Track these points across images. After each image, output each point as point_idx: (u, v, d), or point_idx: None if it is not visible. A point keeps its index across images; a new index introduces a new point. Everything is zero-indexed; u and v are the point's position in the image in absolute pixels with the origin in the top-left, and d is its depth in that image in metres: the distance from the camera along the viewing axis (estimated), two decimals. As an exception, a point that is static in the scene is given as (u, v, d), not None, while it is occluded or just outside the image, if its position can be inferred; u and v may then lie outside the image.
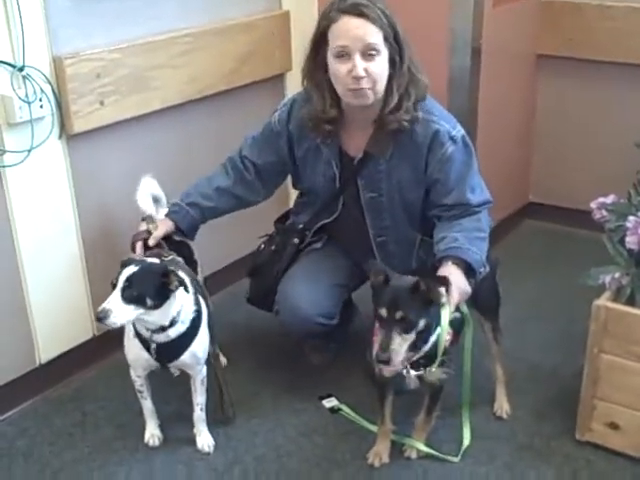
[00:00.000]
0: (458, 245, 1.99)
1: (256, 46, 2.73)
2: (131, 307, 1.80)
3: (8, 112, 2.05)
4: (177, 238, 2.21)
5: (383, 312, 1.78)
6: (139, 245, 2.11)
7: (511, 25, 2.97)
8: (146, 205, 2.24)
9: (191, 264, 2.20)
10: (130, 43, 2.32)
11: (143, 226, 2.16)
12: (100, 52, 2.23)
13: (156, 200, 2.28)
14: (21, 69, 2.04)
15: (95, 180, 2.37)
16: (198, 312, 1.99)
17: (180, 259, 2.11)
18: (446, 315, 1.86)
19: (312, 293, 2.20)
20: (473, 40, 2.75)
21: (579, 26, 3.05)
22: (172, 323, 1.90)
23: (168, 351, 1.97)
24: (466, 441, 2.09)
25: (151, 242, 2.11)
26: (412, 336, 1.79)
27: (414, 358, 1.88)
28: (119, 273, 1.81)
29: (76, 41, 2.19)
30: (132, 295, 1.79)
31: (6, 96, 2.03)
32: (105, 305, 1.78)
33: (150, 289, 1.82)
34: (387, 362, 1.77)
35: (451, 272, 1.92)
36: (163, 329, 1.91)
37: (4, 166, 2.09)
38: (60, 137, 2.21)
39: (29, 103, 2.06)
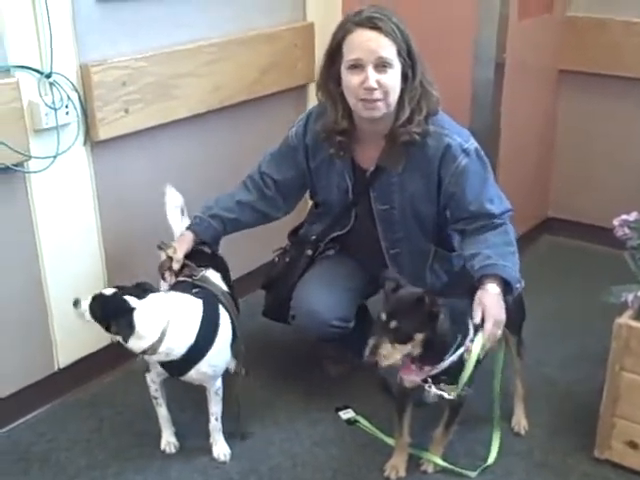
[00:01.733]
0: (493, 262, 1.97)
1: (279, 57, 2.75)
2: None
3: (34, 118, 2.07)
4: (208, 251, 2.21)
5: (382, 316, 1.80)
6: (168, 275, 2.11)
7: (535, 39, 2.97)
8: (174, 218, 2.25)
9: (228, 277, 2.21)
10: (156, 52, 2.34)
11: (163, 256, 2.15)
12: (126, 60, 2.25)
13: (182, 211, 2.29)
14: (48, 76, 2.07)
15: (118, 187, 2.39)
16: (208, 333, 1.96)
17: (212, 274, 2.11)
18: (478, 344, 1.86)
19: (327, 297, 2.21)
20: (497, 54, 2.75)
21: (603, 42, 3.04)
22: (145, 352, 1.91)
23: (170, 367, 1.97)
24: (490, 461, 2.07)
25: (175, 266, 2.10)
26: (408, 347, 1.79)
27: (431, 373, 1.87)
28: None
29: (103, 49, 2.21)
30: (96, 316, 1.91)
31: (33, 102, 2.06)
32: (82, 300, 1.92)
33: (108, 319, 1.89)
34: (375, 364, 1.80)
35: (489, 298, 1.91)
36: (145, 352, 1.91)
37: (30, 172, 2.11)
38: (85, 144, 2.23)
39: (55, 110, 2.09)
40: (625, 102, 3.13)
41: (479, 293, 1.93)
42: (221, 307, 2.03)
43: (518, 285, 1.99)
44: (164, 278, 2.11)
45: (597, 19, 3.05)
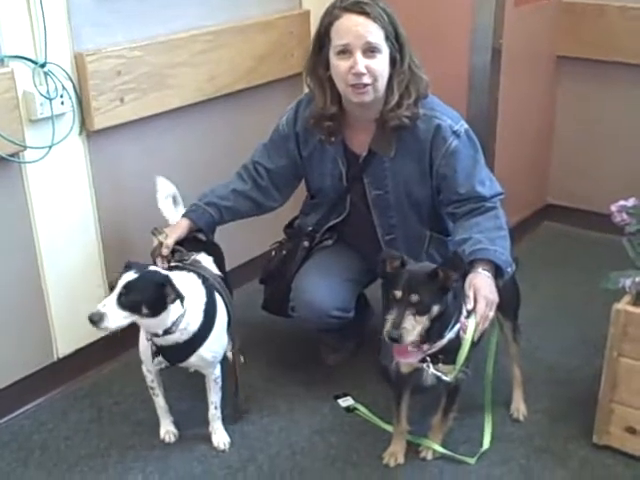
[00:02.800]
0: (483, 247, 1.97)
1: (275, 45, 2.73)
2: (125, 313, 1.78)
3: (29, 108, 2.06)
4: (202, 237, 2.21)
5: (398, 294, 1.78)
6: (159, 261, 2.10)
7: (532, 25, 2.96)
8: (167, 208, 2.25)
9: (222, 262, 2.21)
10: (151, 41, 2.33)
11: (155, 242, 2.15)
12: (121, 49, 2.24)
13: (174, 200, 2.29)
14: (43, 65, 2.06)
15: (114, 176, 2.39)
16: (209, 317, 1.97)
17: (204, 258, 2.11)
18: (472, 325, 1.86)
19: (326, 287, 2.21)
20: (494, 39, 2.74)
21: (601, 27, 3.03)
22: (166, 332, 1.89)
23: (171, 353, 1.97)
24: (485, 445, 2.08)
25: (164, 252, 2.10)
26: (425, 320, 1.79)
27: (430, 352, 1.87)
28: (119, 277, 1.80)
29: (98, 38, 2.20)
30: (128, 302, 1.78)
31: (28, 92, 2.05)
32: (100, 308, 1.77)
33: (147, 298, 1.81)
34: (398, 340, 1.78)
35: (480, 280, 1.92)
36: (157, 335, 1.90)
37: (25, 162, 2.10)
38: (80, 133, 2.23)
39: (50, 99, 2.08)
40: (623, 88, 3.11)
41: (470, 276, 1.93)
42: (215, 291, 2.03)
43: (509, 269, 1.99)
44: (156, 263, 2.11)
45: (594, 4, 3.03)
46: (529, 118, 3.15)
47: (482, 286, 1.90)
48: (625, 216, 2.06)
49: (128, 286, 1.79)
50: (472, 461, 2.04)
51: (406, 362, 1.93)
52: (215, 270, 2.13)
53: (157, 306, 1.82)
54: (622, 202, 2.07)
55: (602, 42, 3.04)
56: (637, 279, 1.95)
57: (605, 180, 3.20)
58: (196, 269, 2.04)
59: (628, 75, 3.07)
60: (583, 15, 3.06)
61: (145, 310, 1.81)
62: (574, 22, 3.08)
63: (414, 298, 1.77)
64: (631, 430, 2.03)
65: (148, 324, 1.87)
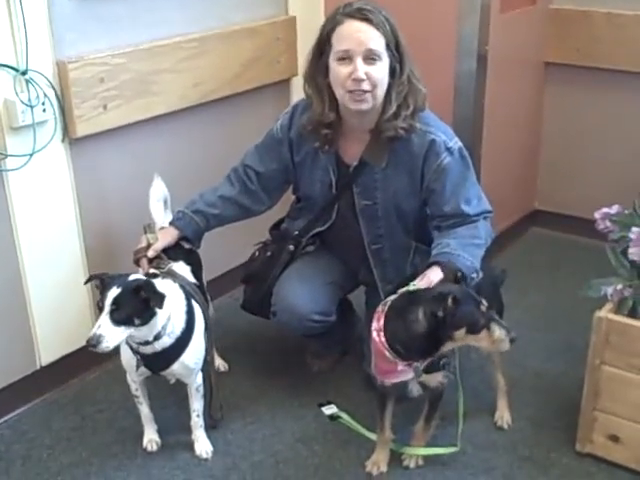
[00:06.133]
0: (449, 250, 1.99)
1: (261, 51, 2.73)
2: (121, 328, 1.80)
3: (10, 116, 2.05)
4: (187, 246, 2.21)
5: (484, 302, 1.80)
6: (144, 262, 2.10)
7: (518, 32, 2.96)
8: (157, 210, 2.24)
9: (199, 271, 2.21)
10: (134, 48, 2.32)
11: (144, 241, 2.14)
12: (104, 56, 2.24)
13: (165, 204, 2.28)
14: (24, 73, 2.05)
15: (98, 184, 2.38)
16: (190, 323, 1.99)
17: (181, 267, 2.11)
18: None
19: (307, 292, 2.21)
20: (479, 46, 2.74)
21: (587, 34, 3.03)
22: (157, 337, 1.90)
23: (156, 361, 1.98)
24: (460, 426, 2.03)
25: (150, 254, 2.10)
26: None
27: (424, 365, 1.86)
28: (104, 295, 1.80)
29: (80, 45, 2.19)
30: (120, 317, 1.79)
31: (9, 100, 2.04)
32: (96, 330, 1.78)
33: (137, 308, 1.82)
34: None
35: (431, 273, 1.92)
36: (148, 342, 1.91)
37: (6, 170, 2.09)
38: (63, 141, 2.22)
39: (32, 107, 2.07)
40: (610, 94, 3.12)
41: (421, 270, 1.95)
42: (191, 298, 2.04)
43: (474, 275, 1.99)
44: (138, 263, 2.09)
45: (580, 11, 3.03)
46: (516, 124, 3.16)
47: (428, 274, 1.91)
48: (609, 223, 2.06)
49: (116, 302, 1.79)
50: (456, 448, 2.03)
51: (397, 380, 1.92)
52: (191, 278, 2.13)
53: (147, 313, 1.84)
54: (606, 209, 2.07)
55: (589, 48, 3.05)
56: (619, 287, 1.95)
57: (592, 186, 3.20)
58: (172, 277, 2.03)
59: (615, 81, 3.07)
60: (570, 21, 3.06)
61: (137, 321, 1.82)
62: (561, 28, 3.08)
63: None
64: (614, 438, 2.03)
65: (141, 333, 1.88)
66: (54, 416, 2.29)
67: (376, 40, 1.96)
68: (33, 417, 2.29)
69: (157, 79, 2.40)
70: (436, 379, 1.93)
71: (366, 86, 1.97)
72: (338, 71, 1.99)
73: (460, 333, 1.77)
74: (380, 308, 1.87)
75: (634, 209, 2.05)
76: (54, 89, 2.14)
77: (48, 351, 2.34)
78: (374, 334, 1.84)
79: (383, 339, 1.82)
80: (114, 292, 1.80)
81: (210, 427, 2.18)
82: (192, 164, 2.63)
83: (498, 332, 1.80)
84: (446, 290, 1.79)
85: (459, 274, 1.91)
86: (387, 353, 1.82)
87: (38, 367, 2.34)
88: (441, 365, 1.89)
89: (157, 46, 2.39)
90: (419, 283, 1.89)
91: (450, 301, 1.74)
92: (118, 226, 2.44)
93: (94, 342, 1.77)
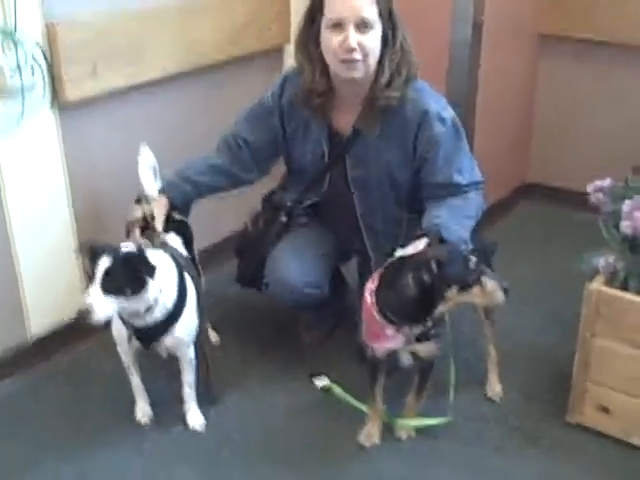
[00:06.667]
0: (438, 222, 1.98)
1: (254, 17, 2.68)
2: (111, 299, 1.77)
3: (-1, 79, 2.01)
4: (177, 217, 2.18)
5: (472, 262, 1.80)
6: (137, 232, 2.06)
7: (514, 2, 2.94)
8: (147, 178, 2.20)
9: (190, 243, 2.18)
10: (125, 10, 2.27)
11: (138, 212, 2.10)
12: (94, 19, 2.19)
13: (154, 172, 2.24)
14: (12, 35, 1.99)
15: (87, 151, 2.34)
16: (182, 295, 1.96)
17: (172, 238, 2.09)
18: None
19: (299, 264, 2.20)
20: (475, 14, 2.71)
21: (583, 6, 3.01)
22: (148, 309, 1.88)
23: (148, 334, 1.96)
24: (451, 397, 2.04)
25: (159, 227, 2.06)
26: None
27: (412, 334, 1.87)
28: (94, 263, 1.77)
29: (69, 7, 2.14)
30: (112, 287, 1.77)
31: (-5, 62, 1.99)
32: (86, 300, 1.75)
33: (128, 278, 1.79)
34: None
35: (418, 243, 1.91)
36: (139, 315, 1.89)
37: (-6, 136, 2.05)
38: (52, 106, 2.17)
39: (20, 69, 2.02)
40: (605, 67, 3.11)
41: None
42: (183, 270, 2.02)
43: (464, 246, 1.97)
44: (129, 235, 2.06)
45: (577, -18, 3.01)
46: (510, 95, 3.14)
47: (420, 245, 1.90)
48: (601, 196, 2.06)
49: (108, 272, 1.76)
50: (448, 419, 2.04)
51: (383, 347, 1.92)
52: (183, 251, 2.10)
53: (138, 284, 1.82)
54: (598, 182, 2.07)
55: (585, 21, 3.03)
56: (610, 259, 1.96)
57: (585, 158, 3.21)
58: (163, 248, 2.01)
59: (610, 55, 3.06)
60: (566, -7, 3.04)
61: (128, 291, 1.80)
62: (557, 0, 3.05)
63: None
64: (604, 409, 2.04)
65: (132, 305, 1.85)
66: (45, 388, 2.27)
67: (368, 8, 1.93)
68: (24, 388, 2.27)
69: (147, 44, 2.35)
70: (427, 348, 1.93)
71: (358, 55, 1.95)
72: (330, 39, 1.96)
73: (452, 292, 1.78)
74: (377, 271, 1.89)
75: (626, 182, 2.05)
76: (43, 52, 2.09)
77: (38, 323, 2.32)
78: (366, 294, 1.86)
79: (374, 300, 1.84)
80: (105, 262, 1.77)
81: (209, 405, 2.17)
82: (183, 131, 2.59)
83: (490, 285, 1.80)
84: (430, 254, 1.80)
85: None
86: (376, 315, 1.83)
87: (28, 339, 2.32)
88: (432, 334, 1.89)
89: (148, 9, 2.35)
90: (406, 251, 1.89)
91: (434, 265, 1.74)
92: (107, 193, 2.41)
93: (85, 314, 1.74)
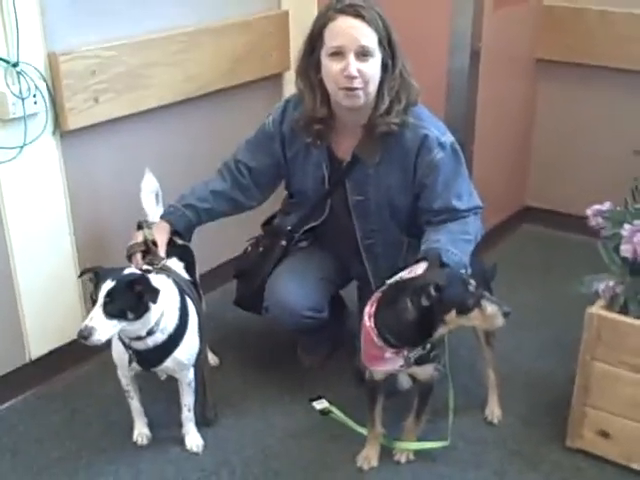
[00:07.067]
0: (438, 246, 1.99)
1: (254, 45, 2.72)
2: (114, 322, 1.78)
3: (1, 108, 2.04)
4: (180, 242, 2.20)
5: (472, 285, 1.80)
6: (138, 258, 2.08)
7: (511, 29, 2.97)
8: (149, 203, 2.23)
9: (192, 267, 2.20)
10: (126, 41, 2.31)
11: (139, 237, 2.12)
12: (96, 49, 2.23)
13: (157, 197, 2.27)
14: (15, 65, 2.03)
15: (89, 177, 2.36)
16: (183, 319, 1.98)
17: (174, 263, 2.11)
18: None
19: (299, 287, 2.21)
20: (473, 42, 2.74)
21: (579, 31, 3.04)
22: (150, 332, 1.89)
23: (148, 358, 1.97)
24: (450, 420, 2.04)
25: (161, 252, 2.08)
26: None
27: (410, 356, 1.87)
28: (97, 287, 1.79)
29: (72, 38, 2.18)
30: (114, 310, 1.78)
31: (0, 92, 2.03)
32: (88, 323, 1.76)
33: (131, 302, 1.80)
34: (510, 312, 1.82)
35: (417, 268, 1.92)
36: (140, 338, 1.90)
37: (-4, 163, 2.08)
38: (54, 134, 2.20)
39: (23, 99, 2.06)
40: (602, 91, 3.13)
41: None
42: (185, 294, 2.03)
43: (462, 271, 1.99)
44: (131, 258, 2.08)
45: (573, 8, 3.04)
46: (508, 121, 3.16)
47: (419, 269, 1.91)
48: (600, 220, 2.07)
49: (110, 294, 1.78)
50: (446, 442, 2.03)
51: (382, 370, 1.93)
52: (185, 275, 2.12)
53: (140, 307, 1.83)
54: (597, 206, 2.08)
55: (581, 46, 3.06)
56: (610, 283, 1.96)
57: (584, 183, 3.21)
58: (165, 272, 2.02)
59: (607, 79, 3.08)
60: (563, 19, 3.07)
61: (130, 315, 1.81)
62: (554, 26, 3.09)
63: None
64: (603, 434, 2.03)
65: (134, 328, 1.86)
66: (44, 410, 2.28)
67: (368, 36, 1.95)
68: (23, 410, 2.28)
69: (149, 72, 2.39)
70: (426, 371, 1.94)
71: (358, 83, 1.97)
72: (330, 67, 1.98)
73: (451, 316, 1.78)
74: (375, 295, 1.90)
75: (626, 206, 2.06)
76: (45, 81, 2.13)
77: (38, 344, 2.33)
78: (365, 317, 1.86)
79: (373, 323, 1.84)
80: (108, 285, 1.78)
81: (204, 426, 2.17)
82: (184, 158, 2.62)
83: (490, 308, 1.80)
84: (429, 278, 1.80)
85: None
86: (375, 338, 1.84)
87: (28, 360, 2.33)
88: (431, 357, 1.90)
89: (149, 39, 2.38)
90: (404, 275, 1.90)
91: (432, 289, 1.75)
92: (109, 220, 2.43)
93: (85, 334, 1.75)
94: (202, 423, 2.17)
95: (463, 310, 1.79)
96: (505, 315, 1.81)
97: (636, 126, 3.02)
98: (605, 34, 2.99)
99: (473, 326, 1.93)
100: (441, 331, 1.82)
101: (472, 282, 1.80)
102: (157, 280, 1.92)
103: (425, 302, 1.76)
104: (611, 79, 3.07)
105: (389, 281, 1.91)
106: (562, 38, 3.09)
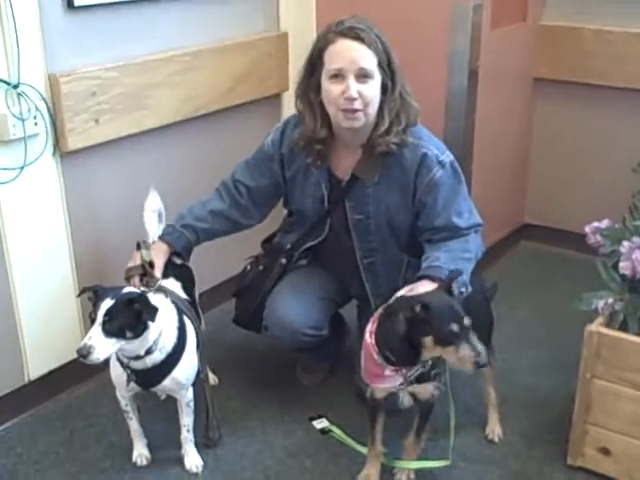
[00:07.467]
0: (438, 264, 1.99)
1: (253, 66, 2.74)
2: (112, 340, 1.79)
3: (1, 129, 2.04)
4: (178, 261, 2.20)
5: (466, 321, 1.77)
6: (136, 280, 2.07)
7: (509, 48, 2.99)
8: (151, 221, 2.23)
9: (191, 286, 2.20)
10: (126, 62, 2.33)
11: (137, 259, 2.12)
12: (96, 70, 2.24)
13: (159, 216, 2.27)
14: (16, 86, 2.05)
15: (89, 198, 2.37)
16: (182, 338, 1.98)
17: (172, 283, 2.11)
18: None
19: (299, 306, 2.21)
20: (470, 62, 2.76)
21: (576, 50, 3.07)
22: (148, 352, 1.89)
23: (147, 377, 1.96)
24: (451, 440, 2.03)
25: (158, 273, 2.08)
26: None
27: (409, 375, 1.87)
28: (96, 306, 1.80)
29: (72, 59, 2.20)
30: (113, 328, 1.78)
31: (0, 113, 2.03)
32: (87, 341, 1.76)
33: (129, 320, 1.81)
34: (485, 364, 1.81)
35: (419, 286, 1.92)
36: (139, 357, 1.90)
37: (-4, 183, 2.09)
38: (54, 154, 2.21)
39: (23, 120, 2.07)
40: (599, 110, 3.15)
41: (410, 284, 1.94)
42: (182, 313, 2.03)
43: (463, 289, 1.99)
44: (129, 280, 2.08)
45: (570, 27, 3.07)
46: (506, 139, 3.18)
47: (421, 288, 1.91)
48: (599, 237, 2.07)
49: (109, 313, 1.78)
50: (447, 462, 2.02)
51: (383, 387, 1.92)
52: (182, 295, 2.12)
53: (139, 326, 1.83)
54: (596, 224, 2.09)
55: (578, 65, 3.08)
56: (609, 300, 1.96)
57: (581, 200, 3.23)
58: (163, 293, 2.03)
59: (604, 97, 3.10)
60: (559, 38, 3.10)
61: (129, 333, 1.81)
62: (551, 45, 3.12)
63: (469, 322, 1.78)
64: (605, 451, 2.03)
65: (132, 347, 1.87)
66: (42, 431, 2.27)
67: (368, 59, 1.97)
68: (21, 431, 2.27)
69: (149, 93, 2.41)
70: (427, 390, 1.93)
71: (358, 105, 1.98)
72: (330, 89, 2.00)
73: (428, 341, 1.78)
74: (377, 313, 1.90)
75: (624, 223, 2.07)
76: (46, 102, 2.14)
77: (37, 365, 2.33)
78: (366, 335, 1.87)
79: (373, 341, 1.85)
80: (107, 303, 1.79)
81: (206, 447, 2.16)
82: (184, 178, 2.63)
83: (464, 352, 1.78)
84: (423, 298, 1.80)
85: (453, 284, 1.90)
86: (375, 355, 1.84)
87: (26, 381, 2.32)
88: (432, 376, 1.89)
89: (149, 60, 2.39)
90: (405, 292, 1.90)
91: (418, 307, 1.75)
92: (109, 241, 2.44)
93: (84, 353, 1.76)
94: (205, 444, 2.16)
95: (440, 342, 1.78)
96: (476, 364, 1.79)
97: (633, 144, 3.03)
98: (602, 53, 3.01)
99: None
100: (425, 355, 1.82)
101: (466, 321, 1.78)
102: (155, 299, 1.93)
103: (408, 314, 1.76)
104: (608, 97, 3.09)
105: (391, 299, 1.91)
106: (559, 57, 3.11)
